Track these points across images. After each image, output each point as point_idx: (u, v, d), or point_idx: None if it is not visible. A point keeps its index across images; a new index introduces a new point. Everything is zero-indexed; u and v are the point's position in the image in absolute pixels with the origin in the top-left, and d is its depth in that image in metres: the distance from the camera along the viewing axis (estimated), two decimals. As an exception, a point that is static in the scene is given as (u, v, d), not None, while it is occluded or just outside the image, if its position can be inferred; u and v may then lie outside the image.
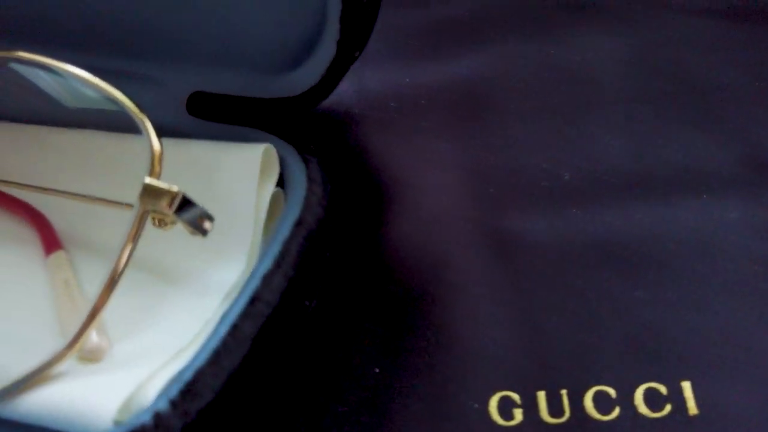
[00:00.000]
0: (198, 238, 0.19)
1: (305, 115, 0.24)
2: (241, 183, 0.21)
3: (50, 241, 0.22)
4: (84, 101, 0.23)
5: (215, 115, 0.24)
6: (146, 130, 0.19)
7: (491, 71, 0.27)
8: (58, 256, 0.21)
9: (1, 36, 0.25)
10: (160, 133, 0.19)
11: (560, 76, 0.27)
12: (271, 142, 0.23)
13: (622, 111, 0.26)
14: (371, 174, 0.25)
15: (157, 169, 0.18)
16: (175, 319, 0.19)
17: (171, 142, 0.23)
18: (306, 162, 0.22)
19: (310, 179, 0.21)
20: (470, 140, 0.25)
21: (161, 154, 0.18)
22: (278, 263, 0.18)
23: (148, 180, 0.18)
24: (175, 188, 0.18)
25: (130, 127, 0.24)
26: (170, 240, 0.20)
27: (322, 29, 0.22)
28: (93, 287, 0.20)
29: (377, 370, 0.20)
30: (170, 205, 0.18)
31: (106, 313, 0.18)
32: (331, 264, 0.22)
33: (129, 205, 0.19)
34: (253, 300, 0.17)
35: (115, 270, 0.17)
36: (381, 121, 0.26)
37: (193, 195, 0.18)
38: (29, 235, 0.23)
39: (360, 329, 0.21)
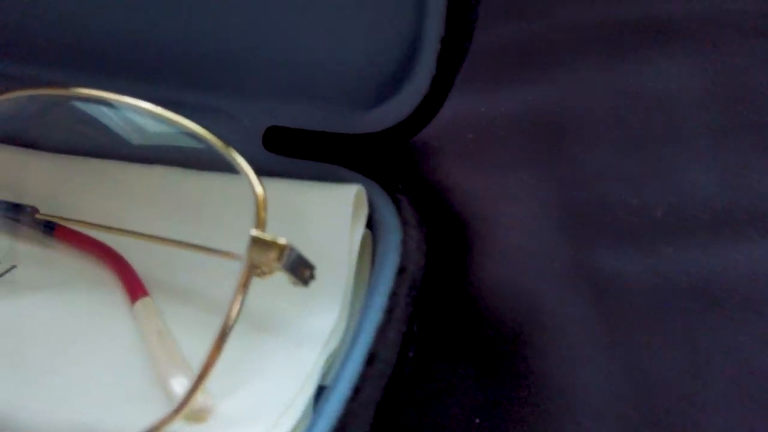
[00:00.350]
0: (290, 284, 0.19)
1: (389, 152, 0.24)
2: (333, 226, 0.21)
3: (134, 286, 0.21)
4: (152, 137, 0.23)
5: (292, 151, 0.24)
6: (244, 171, 0.19)
7: (568, 99, 0.27)
8: (146, 303, 0.21)
9: (63, 66, 0.25)
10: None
11: (641, 105, 0.27)
12: (354, 180, 0.23)
13: (710, 142, 0.26)
14: (454, 210, 0.25)
15: (263, 217, 0.18)
16: (275, 372, 0.19)
17: (234, 177, 0.23)
18: (396, 202, 0.22)
19: (404, 222, 0.21)
20: (553, 173, 0.25)
21: (265, 200, 0.18)
22: (388, 317, 0.18)
23: (255, 233, 0.18)
24: (283, 240, 0.18)
25: (199, 164, 0.24)
26: (261, 286, 0.20)
27: (415, 64, 0.21)
28: (183, 336, 0.21)
29: (477, 421, 0.20)
30: (279, 258, 0.18)
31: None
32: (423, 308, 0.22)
33: (230, 254, 0.19)
34: (371, 359, 0.17)
35: (225, 325, 0.17)
36: (460, 154, 0.26)
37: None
38: (106, 278, 0.23)
39: (455, 376, 0.21)
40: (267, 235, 0.18)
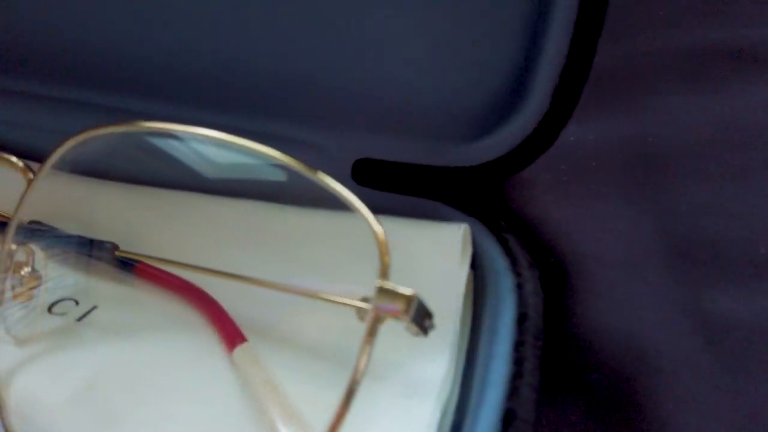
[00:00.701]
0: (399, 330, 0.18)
1: (488, 187, 0.23)
2: (441, 268, 0.21)
3: (231, 331, 0.21)
4: (236, 170, 0.22)
5: (383, 184, 0.24)
6: (357, 208, 0.19)
7: (659, 128, 0.27)
8: (246, 349, 0.20)
9: (146, 97, 0.24)
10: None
11: (737, 134, 0.26)
12: (452, 216, 0.23)
13: (811, 173, 0.25)
14: (550, 245, 0.24)
15: (387, 263, 0.18)
16: (390, 424, 0.19)
17: (348, 216, 0.22)
18: (503, 241, 0.21)
19: (515, 262, 0.21)
20: (651, 206, 0.25)
21: (387, 243, 0.18)
22: (518, 370, 0.18)
23: (381, 283, 0.17)
24: (409, 291, 0.17)
25: (287, 198, 0.23)
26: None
27: (526, 95, 0.21)
28: (285, 384, 0.20)
29: (594, 471, 0.20)
30: (407, 310, 0.17)
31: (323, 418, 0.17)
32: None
33: (347, 302, 0.18)
34: (509, 417, 0.17)
35: (353, 380, 0.17)
36: (553, 185, 0.25)
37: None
38: (194, 319, 0.22)
39: (565, 423, 0.21)
40: (393, 286, 0.17)
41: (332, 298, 0.19)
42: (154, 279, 0.23)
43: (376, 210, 0.23)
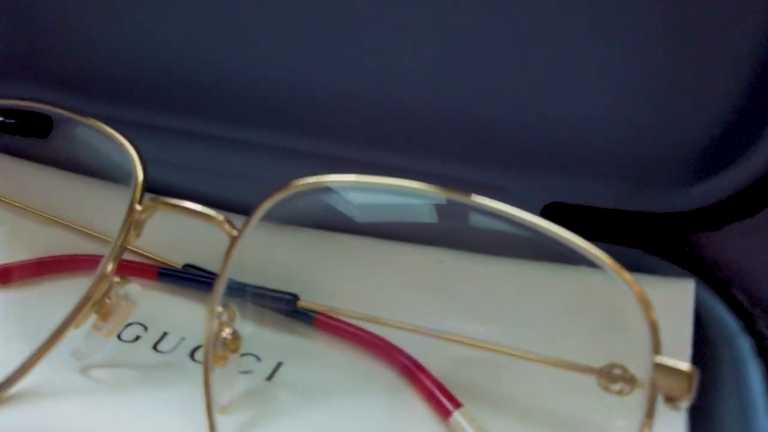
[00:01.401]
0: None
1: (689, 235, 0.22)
2: (671, 328, 0.20)
3: (442, 394, 0.20)
4: (424, 215, 0.21)
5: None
6: (612, 268, 0.18)
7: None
8: (465, 415, 0.19)
9: (329, 139, 0.23)
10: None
11: None
12: (657, 267, 0.22)
13: None
14: (751, 296, 0.23)
15: (657, 330, 0.17)
16: None
17: (551, 267, 0.21)
18: (730, 298, 0.20)
19: (751, 322, 0.20)
20: None
21: (654, 309, 0.17)
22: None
23: (659, 359, 0.16)
24: (687, 367, 0.16)
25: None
26: (592, 396, 0.18)
27: (753, 139, 0.20)
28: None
29: None
30: (689, 389, 0.16)
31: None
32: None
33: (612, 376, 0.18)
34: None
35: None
36: (745, 229, 0.24)
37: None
38: (389, 377, 0.21)
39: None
40: (674, 362, 0.16)
41: (579, 369, 0.18)
42: (338, 332, 0.22)
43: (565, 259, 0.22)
